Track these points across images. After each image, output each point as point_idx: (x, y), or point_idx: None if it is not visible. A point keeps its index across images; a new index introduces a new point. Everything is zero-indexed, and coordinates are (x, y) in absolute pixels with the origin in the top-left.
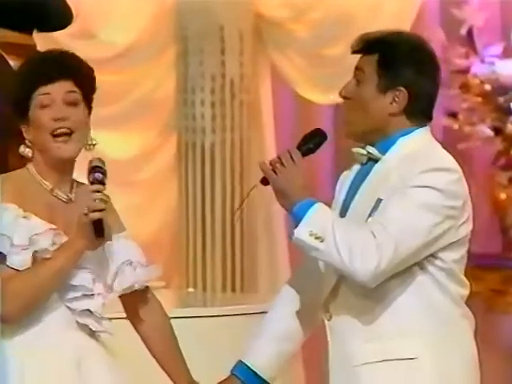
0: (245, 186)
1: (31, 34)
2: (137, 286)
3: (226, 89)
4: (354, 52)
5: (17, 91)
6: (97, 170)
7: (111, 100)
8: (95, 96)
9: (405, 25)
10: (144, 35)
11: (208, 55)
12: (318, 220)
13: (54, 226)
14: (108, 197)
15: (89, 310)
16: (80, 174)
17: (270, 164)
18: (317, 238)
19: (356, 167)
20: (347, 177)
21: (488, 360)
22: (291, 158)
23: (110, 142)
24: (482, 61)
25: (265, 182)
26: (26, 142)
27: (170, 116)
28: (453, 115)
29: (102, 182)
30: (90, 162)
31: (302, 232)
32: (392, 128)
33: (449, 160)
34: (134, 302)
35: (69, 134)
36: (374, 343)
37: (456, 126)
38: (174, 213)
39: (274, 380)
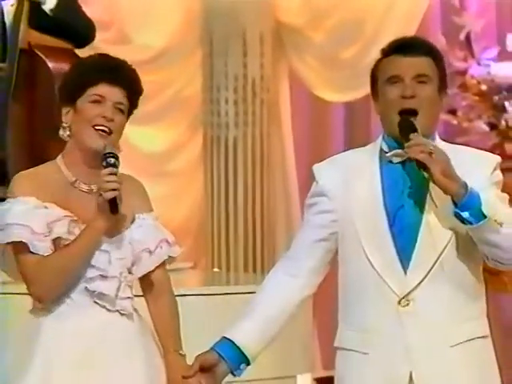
0: (265, 176)
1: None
2: (152, 268)
3: (247, 88)
4: (408, 53)
5: (76, 75)
6: (108, 156)
7: (145, 99)
8: None
9: (411, 29)
10: (174, 39)
11: (231, 57)
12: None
13: (69, 214)
14: (119, 178)
15: (102, 293)
16: None
17: (412, 148)
18: (496, 221)
19: (374, 165)
20: (362, 170)
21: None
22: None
23: (144, 136)
24: (479, 63)
25: (421, 165)
26: (63, 124)
27: (197, 113)
28: (452, 112)
29: (114, 165)
30: (103, 149)
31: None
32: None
33: None
34: (149, 279)
35: (108, 133)
36: (468, 324)
37: (455, 122)
38: (200, 200)
39: (253, 360)
